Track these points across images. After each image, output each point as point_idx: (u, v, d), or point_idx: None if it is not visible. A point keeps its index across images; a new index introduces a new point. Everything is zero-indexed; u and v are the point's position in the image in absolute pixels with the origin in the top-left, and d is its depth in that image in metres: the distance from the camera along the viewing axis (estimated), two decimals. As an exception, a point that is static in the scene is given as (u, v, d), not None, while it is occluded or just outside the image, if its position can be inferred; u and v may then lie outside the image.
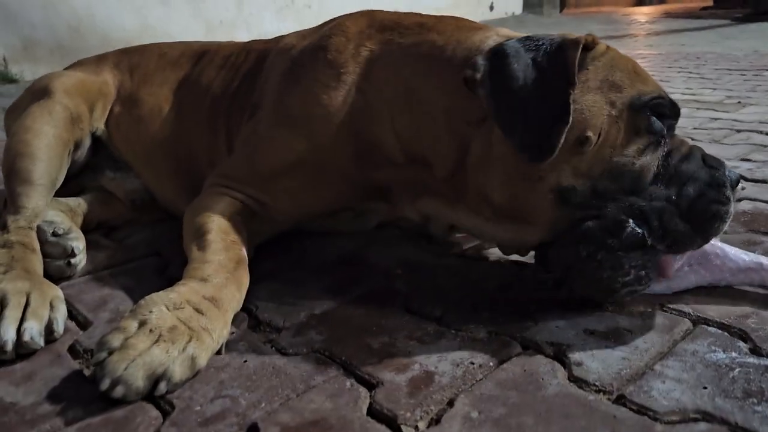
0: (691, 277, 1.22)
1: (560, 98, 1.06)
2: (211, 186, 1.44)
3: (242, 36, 7.46)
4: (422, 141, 1.28)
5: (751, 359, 0.98)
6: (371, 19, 1.44)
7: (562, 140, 1.05)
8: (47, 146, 1.55)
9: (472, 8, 9.78)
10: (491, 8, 10.41)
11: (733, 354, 1.00)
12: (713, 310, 1.14)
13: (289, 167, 1.39)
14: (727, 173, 1.14)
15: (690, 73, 4.52)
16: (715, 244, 1.21)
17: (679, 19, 9.56)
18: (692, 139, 2.49)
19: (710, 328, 1.08)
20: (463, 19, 1.40)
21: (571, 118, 1.06)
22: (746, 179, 1.92)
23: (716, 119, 2.89)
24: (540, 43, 1.13)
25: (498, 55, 1.13)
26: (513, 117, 1.08)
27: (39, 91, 1.70)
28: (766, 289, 1.19)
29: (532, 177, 1.12)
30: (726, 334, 1.06)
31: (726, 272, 1.21)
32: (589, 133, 1.09)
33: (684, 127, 2.74)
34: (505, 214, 1.19)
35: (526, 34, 1.22)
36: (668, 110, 1.15)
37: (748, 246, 1.42)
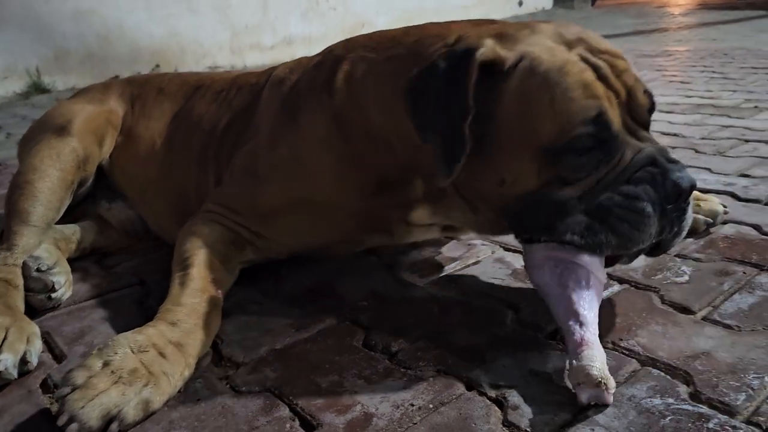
0: (546, 274, 1.17)
1: (456, 128, 1.12)
2: (206, 212, 1.48)
3: (268, 39, 7.57)
4: (412, 153, 1.31)
5: (687, 406, 0.99)
6: (346, 45, 1.46)
7: (458, 166, 1.14)
8: (50, 189, 1.63)
9: (500, 5, 9.70)
10: (520, 4, 10.29)
11: (670, 400, 1.00)
12: (664, 349, 1.15)
13: (289, 207, 1.42)
14: (674, 181, 1.10)
15: (713, 72, 4.41)
16: (594, 278, 1.13)
17: (714, 10, 9.29)
18: (696, 151, 2.45)
19: (655, 371, 1.09)
20: (429, 24, 1.39)
21: (467, 145, 1.12)
22: (738, 199, 1.89)
23: (727, 127, 2.82)
24: (445, 63, 1.16)
25: (412, 82, 1.19)
26: (428, 137, 1.18)
27: (51, 128, 1.76)
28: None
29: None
30: (669, 376, 1.06)
31: (562, 301, 1.12)
32: (504, 176, 1.18)
33: (691, 136, 2.70)
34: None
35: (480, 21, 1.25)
36: (592, 142, 1.11)
37: (719, 276, 1.41)
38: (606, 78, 1.15)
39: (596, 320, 1.10)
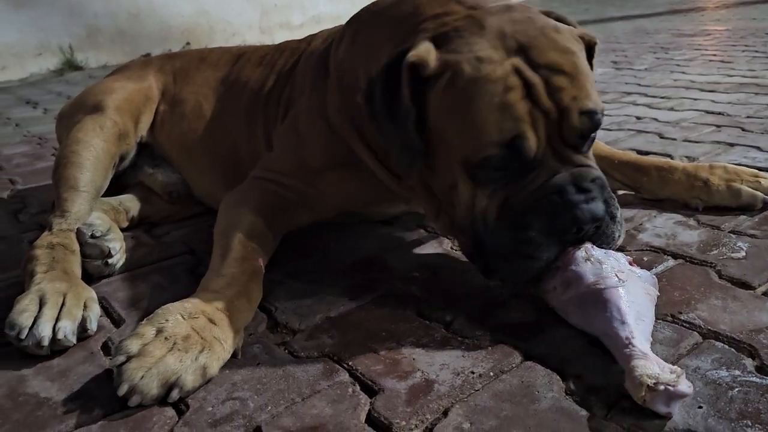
0: (572, 314, 1.13)
1: (404, 133, 1.16)
2: (255, 178, 1.50)
3: (297, 18, 7.55)
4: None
5: (754, 378, 0.97)
6: (354, 18, 1.50)
7: (412, 171, 1.21)
8: (95, 158, 1.67)
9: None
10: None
11: (736, 372, 0.99)
12: (726, 323, 1.13)
13: (330, 167, 1.44)
14: (574, 215, 1.11)
15: (756, 52, 4.29)
16: (618, 306, 1.04)
17: (752, -11, 9.02)
18: (743, 129, 2.40)
19: (718, 343, 1.07)
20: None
21: (418, 149, 1.17)
22: (791, 177, 1.84)
23: (773, 106, 2.76)
24: (384, 71, 1.17)
25: (367, 89, 1.21)
26: (387, 142, 1.22)
27: (92, 107, 1.81)
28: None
29: None
30: (733, 349, 1.05)
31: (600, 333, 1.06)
32: (450, 181, 1.21)
33: (737, 115, 2.64)
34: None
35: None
36: (504, 163, 1.11)
37: (777, 253, 1.38)
38: (536, 97, 1.10)
39: (639, 325, 1.03)
